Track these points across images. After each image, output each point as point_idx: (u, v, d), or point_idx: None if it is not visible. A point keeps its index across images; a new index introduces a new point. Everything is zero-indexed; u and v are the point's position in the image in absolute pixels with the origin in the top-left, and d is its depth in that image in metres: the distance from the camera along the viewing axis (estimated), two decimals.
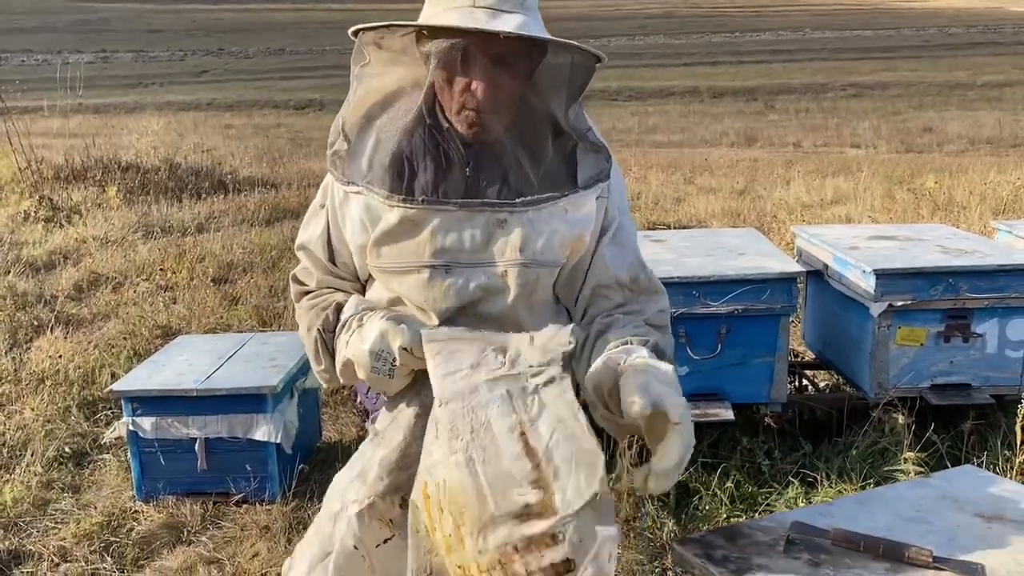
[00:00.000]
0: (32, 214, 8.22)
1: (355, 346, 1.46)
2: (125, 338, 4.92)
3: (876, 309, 3.22)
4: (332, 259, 1.61)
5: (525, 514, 1.25)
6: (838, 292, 3.48)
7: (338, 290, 1.64)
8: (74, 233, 7.52)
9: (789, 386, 3.85)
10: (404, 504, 1.47)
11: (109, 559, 3.01)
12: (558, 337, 1.36)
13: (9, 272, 6.22)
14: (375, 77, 1.51)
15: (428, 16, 1.46)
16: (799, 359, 4.04)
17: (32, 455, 3.66)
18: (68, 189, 9.19)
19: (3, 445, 3.79)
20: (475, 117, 1.45)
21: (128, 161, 10.40)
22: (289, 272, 1.77)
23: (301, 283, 1.68)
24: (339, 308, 1.57)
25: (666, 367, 1.39)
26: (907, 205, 8.57)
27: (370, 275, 1.61)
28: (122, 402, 3.32)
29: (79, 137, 10.85)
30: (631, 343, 1.46)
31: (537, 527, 1.24)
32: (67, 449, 3.75)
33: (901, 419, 3.23)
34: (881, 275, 3.19)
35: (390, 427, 1.56)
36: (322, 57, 35.76)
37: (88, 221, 7.93)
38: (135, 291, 5.95)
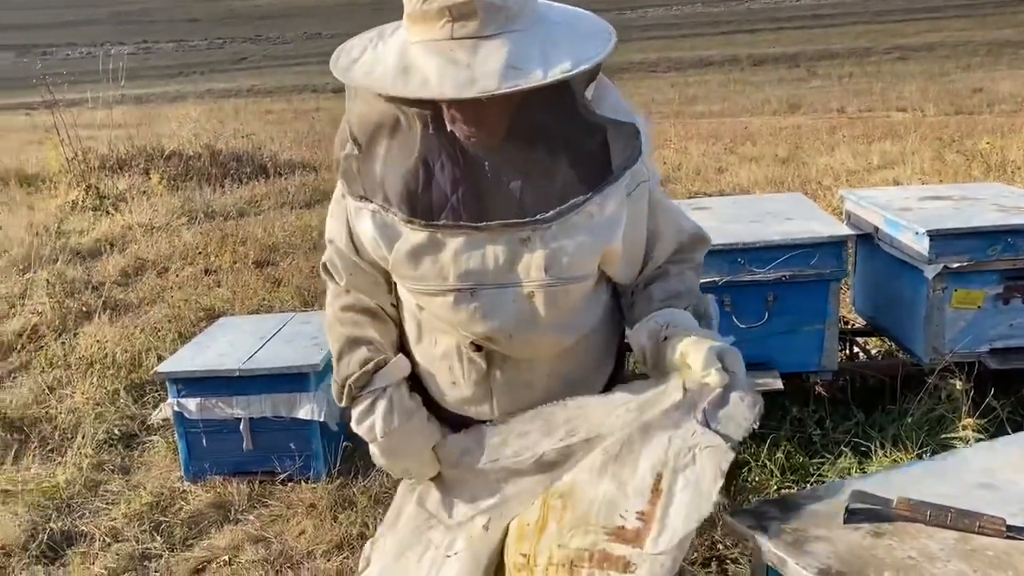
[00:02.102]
0: (79, 203, 8.37)
1: (370, 438, 1.56)
2: (170, 321, 4.97)
3: (930, 272, 3.10)
4: (358, 252, 1.56)
5: (617, 534, 1.35)
6: (890, 255, 3.36)
7: (368, 308, 1.60)
8: (120, 221, 7.63)
9: (839, 354, 3.75)
10: (484, 527, 1.56)
11: (159, 538, 3.04)
12: (744, 413, 1.34)
13: (58, 260, 6.32)
14: (395, 122, 1.41)
15: (403, 43, 1.32)
16: (849, 326, 3.93)
17: (83, 438, 3.71)
18: (114, 178, 9.33)
19: (55, 429, 3.85)
20: (476, 143, 1.37)
21: (171, 149, 10.53)
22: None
23: (331, 275, 1.64)
24: (377, 367, 1.55)
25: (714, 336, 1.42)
26: (958, 167, 8.31)
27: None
28: (167, 384, 3.34)
29: (123, 127, 11.01)
30: (676, 307, 1.46)
31: (620, 550, 1.34)
32: (116, 431, 3.80)
33: (959, 385, 3.12)
34: (935, 236, 3.07)
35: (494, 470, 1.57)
36: None
37: (133, 209, 8.03)
38: (179, 276, 6.01)
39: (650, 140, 1.49)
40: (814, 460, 3.14)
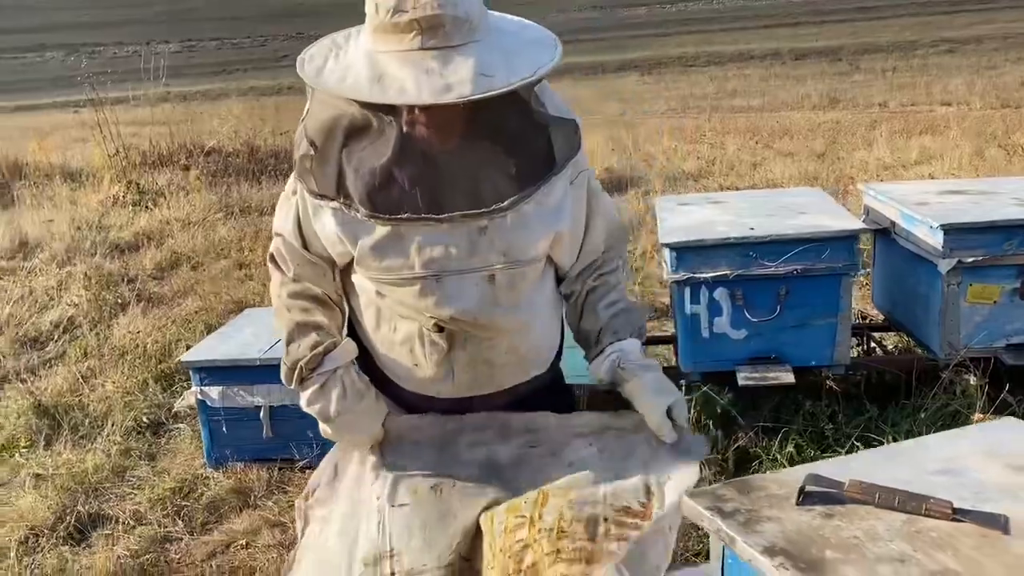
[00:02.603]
0: (120, 198, 8.58)
1: (323, 418, 1.64)
2: (198, 313, 5.10)
3: (944, 266, 3.08)
4: (306, 247, 1.64)
5: (625, 511, 1.50)
6: (905, 250, 3.34)
7: (316, 296, 1.67)
8: (158, 215, 7.81)
9: (857, 348, 3.74)
10: (432, 488, 1.63)
11: (180, 522, 3.14)
12: (686, 477, 1.54)
13: (96, 253, 6.50)
14: (348, 123, 1.51)
15: (369, 53, 1.42)
16: (868, 321, 3.90)
17: (112, 425, 3.83)
18: (154, 174, 9.54)
19: (87, 416, 3.97)
20: (436, 142, 1.47)
21: (211, 146, 10.73)
22: None
23: (277, 265, 1.71)
24: (327, 351, 1.63)
25: (656, 367, 1.67)
26: (998, 163, 8.16)
27: (349, 264, 1.64)
28: (191, 372, 3.44)
29: (165, 124, 11.24)
30: (621, 336, 1.67)
31: (630, 521, 1.50)
32: (145, 419, 3.92)
33: (973, 380, 3.09)
34: (949, 230, 3.04)
35: (445, 460, 1.67)
36: None
37: (172, 204, 8.22)
38: (212, 269, 6.15)
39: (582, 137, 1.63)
40: (825, 454, 3.13)
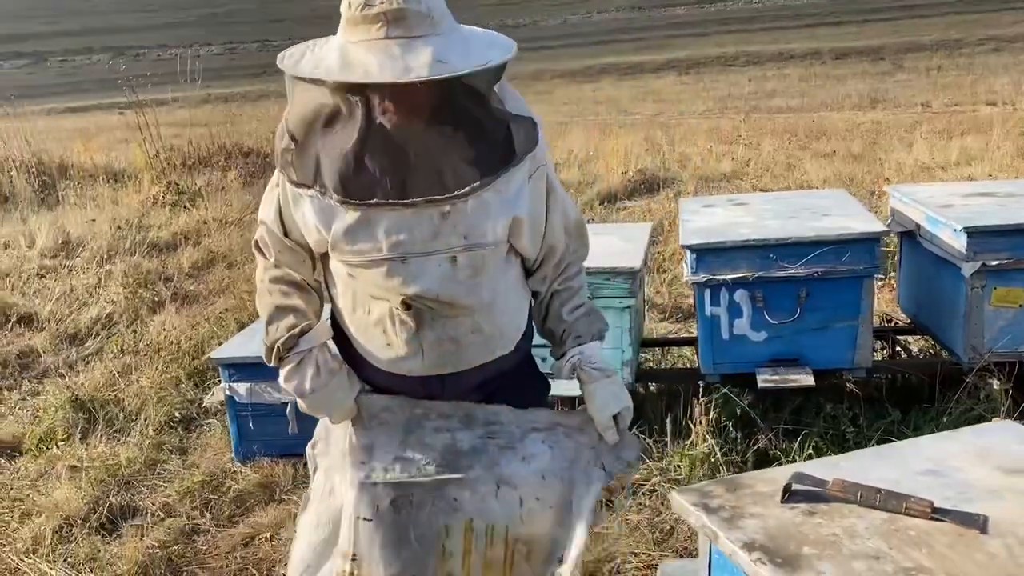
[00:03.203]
0: (160, 198, 8.76)
1: (299, 394, 1.76)
2: (229, 311, 5.20)
3: (968, 269, 3.05)
4: (286, 235, 1.76)
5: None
6: (930, 253, 3.32)
7: (294, 282, 1.79)
8: (196, 215, 7.97)
9: (882, 352, 3.72)
10: (393, 504, 1.74)
11: (208, 515, 3.22)
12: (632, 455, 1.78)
13: (135, 253, 6.66)
14: (310, 89, 1.61)
15: (341, 45, 1.55)
16: (893, 324, 3.87)
17: (145, 420, 3.93)
18: (193, 175, 9.73)
19: (121, 411, 4.08)
20: (402, 129, 1.57)
21: (249, 147, 10.91)
22: None
23: (261, 252, 1.84)
24: (303, 332, 1.76)
25: (611, 374, 1.81)
26: None
27: (326, 253, 1.74)
28: (220, 369, 3.53)
29: (206, 126, 11.44)
30: (583, 340, 1.82)
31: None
32: (177, 414, 4.01)
33: (997, 384, 3.06)
34: (973, 233, 3.02)
35: (410, 440, 1.79)
36: None
37: (209, 204, 8.38)
38: (247, 268, 6.26)
39: (545, 141, 1.74)
40: None
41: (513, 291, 1.79)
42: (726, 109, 18.56)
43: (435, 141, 1.58)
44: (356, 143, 1.57)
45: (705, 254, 3.15)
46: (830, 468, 1.23)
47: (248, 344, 3.60)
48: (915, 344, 3.80)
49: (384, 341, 1.73)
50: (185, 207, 8.42)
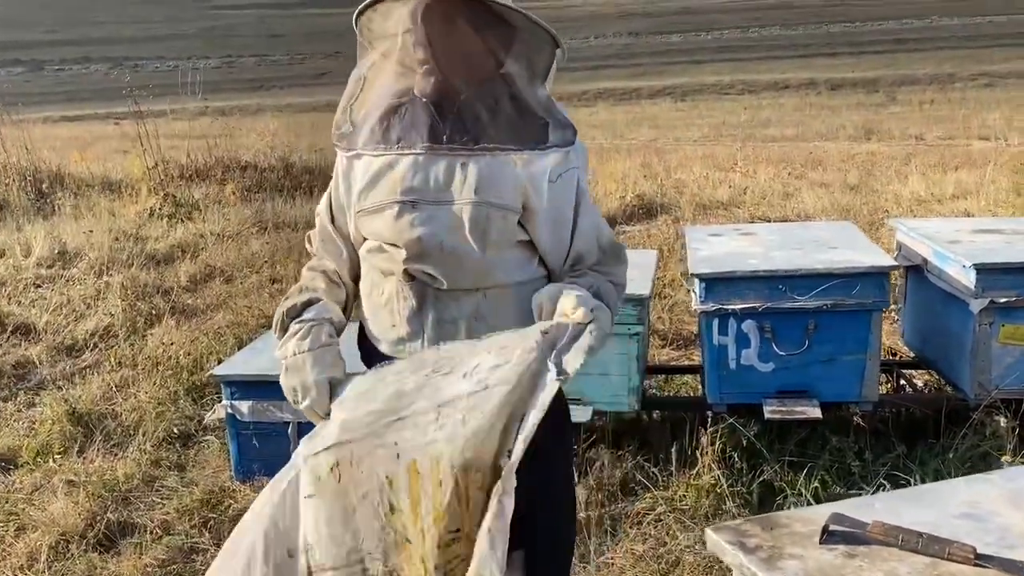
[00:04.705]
0: (157, 210, 8.73)
1: (283, 357, 1.73)
2: (230, 327, 5.17)
3: (977, 306, 3.06)
4: (333, 220, 1.81)
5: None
6: (938, 288, 3.33)
7: (326, 271, 1.82)
8: (193, 228, 7.94)
9: (886, 385, 3.72)
10: (332, 470, 1.62)
11: (207, 534, 3.18)
12: (589, 343, 1.58)
13: (133, 264, 6.62)
14: (371, 65, 1.72)
15: None
16: (897, 358, 3.88)
17: (143, 435, 3.89)
18: (190, 187, 9.70)
19: (119, 425, 4.04)
20: (435, 72, 1.64)
21: (247, 161, 10.90)
22: None
23: (310, 242, 1.89)
24: (309, 303, 1.75)
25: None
26: None
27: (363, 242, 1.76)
28: (221, 386, 3.49)
29: (204, 138, 11.43)
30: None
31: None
32: (175, 430, 3.97)
33: (1004, 422, 3.06)
34: (982, 270, 3.03)
35: (360, 397, 1.66)
36: None
37: (207, 217, 8.35)
38: (245, 283, 6.24)
39: (586, 157, 1.78)
40: (851, 491, 3.12)
41: (526, 292, 1.71)
42: (721, 136, 18.69)
43: (474, 100, 1.64)
44: (391, 99, 1.66)
45: (715, 283, 3.16)
46: (865, 508, 1.22)
47: (250, 361, 3.58)
48: (919, 378, 3.81)
49: (391, 322, 1.74)
50: (182, 220, 8.39)
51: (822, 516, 1.22)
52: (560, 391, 1.83)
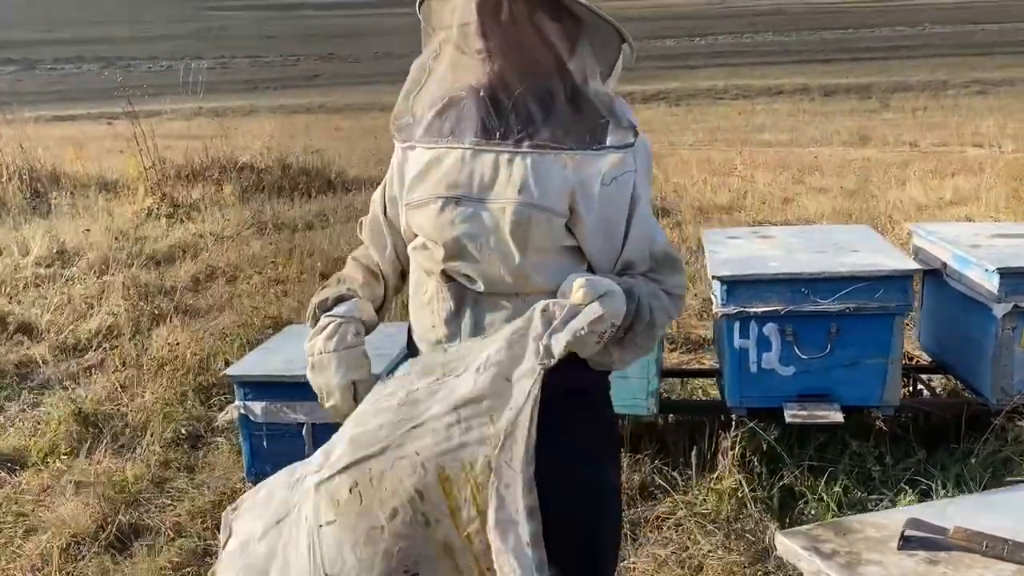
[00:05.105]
0: (154, 211, 8.66)
1: (309, 353, 1.71)
2: (234, 327, 5.12)
3: (1000, 310, 3.05)
4: (385, 211, 1.78)
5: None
6: (958, 292, 3.31)
7: (368, 264, 1.80)
8: (193, 229, 7.88)
9: (903, 390, 3.70)
10: (352, 491, 1.52)
11: (221, 536, 3.13)
12: (581, 324, 1.48)
13: (133, 264, 6.56)
14: (434, 54, 1.67)
15: None
16: (913, 362, 3.86)
17: (151, 436, 3.84)
18: (188, 187, 9.64)
19: (126, 426, 3.99)
20: (490, 63, 1.58)
21: (244, 161, 10.84)
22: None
23: (361, 230, 1.86)
24: (342, 299, 1.73)
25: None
26: None
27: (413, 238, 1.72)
28: (235, 386, 3.44)
29: (199, 139, 11.36)
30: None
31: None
32: (183, 431, 3.93)
33: None
34: (1005, 274, 3.02)
35: (368, 411, 1.59)
36: None
37: (206, 217, 8.29)
38: (248, 284, 6.18)
39: (649, 160, 1.69)
40: (872, 496, 3.10)
41: None
42: (716, 141, 18.70)
43: (527, 93, 1.58)
44: (445, 92, 1.62)
45: (736, 286, 3.13)
46: (939, 514, 1.19)
47: (264, 362, 3.53)
48: (936, 383, 3.79)
49: (431, 322, 1.69)
50: (181, 220, 8.33)
51: (895, 522, 1.19)
52: (604, 391, 1.80)
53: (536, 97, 1.58)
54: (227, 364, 4.47)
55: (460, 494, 1.46)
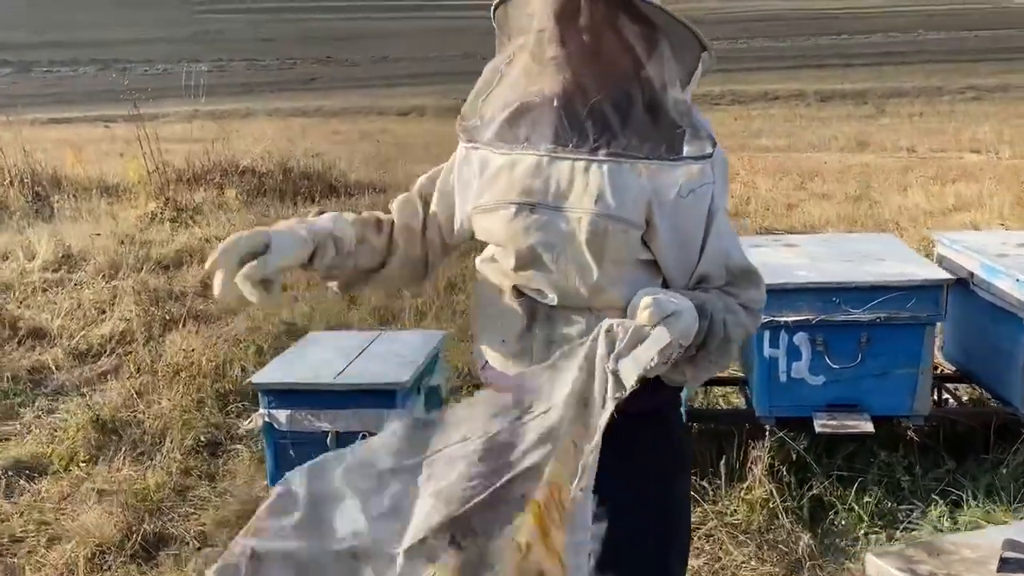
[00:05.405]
0: (158, 215, 8.62)
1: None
2: (248, 333, 5.09)
3: None
4: (428, 196, 1.72)
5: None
6: (986, 302, 3.31)
7: (380, 218, 1.73)
8: (199, 233, 7.85)
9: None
10: (454, 542, 1.40)
11: None
12: (649, 352, 1.42)
13: (142, 269, 6.52)
14: (508, 59, 1.63)
15: None
16: (938, 371, 3.86)
17: (171, 443, 3.81)
18: (190, 191, 9.60)
19: (144, 433, 3.96)
20: (566, 70, 1.54)
21: (244, 165, 10.81)
22: None
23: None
24: (322, 213, 1.65)
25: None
26: None
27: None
28: (260, 394, 3.41)
29: (198, 142, 11.32)
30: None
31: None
32: (202, 439, 3.90)
33: None
34: None
35: (440, 459, 1.47)
36: (424, 64, 36.37)
37: (210, 221, 8.26)
38: None
39: (725, 170, 1.63)
40: (902, 507, 3.09)
41: None
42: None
43: (603, 101, 1.53)
44: (518, 95, 1.58)
45: (767, 295, 3.11)
46: None
47: (289, 369, 3.50)
48: (963, 392, 3.79)
49: (500, 337, 1.64)
50: (185, 224, 8.30)
51: (988, 542, 1.18)
52: (676, 408, 1.77)
53: (613, 104, 1.54)
54: (243, 371, 4.45)
55: (549, 517, 1.41)
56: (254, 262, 1.46)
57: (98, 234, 7.32)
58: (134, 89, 11.63)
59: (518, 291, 1.60)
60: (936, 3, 61.48)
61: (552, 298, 1.57)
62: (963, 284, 3.47)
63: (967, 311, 3.50)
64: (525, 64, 1.59)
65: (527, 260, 1.57)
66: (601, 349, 1.45)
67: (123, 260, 6.68)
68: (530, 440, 1.45)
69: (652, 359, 1.40)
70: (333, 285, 1.73)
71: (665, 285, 1.60)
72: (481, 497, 1.41)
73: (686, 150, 1.54)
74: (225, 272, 1.46)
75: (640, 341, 1.43)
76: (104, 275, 6.39)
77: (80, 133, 20.56)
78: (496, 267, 1.63)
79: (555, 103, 1.56)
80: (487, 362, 1.71)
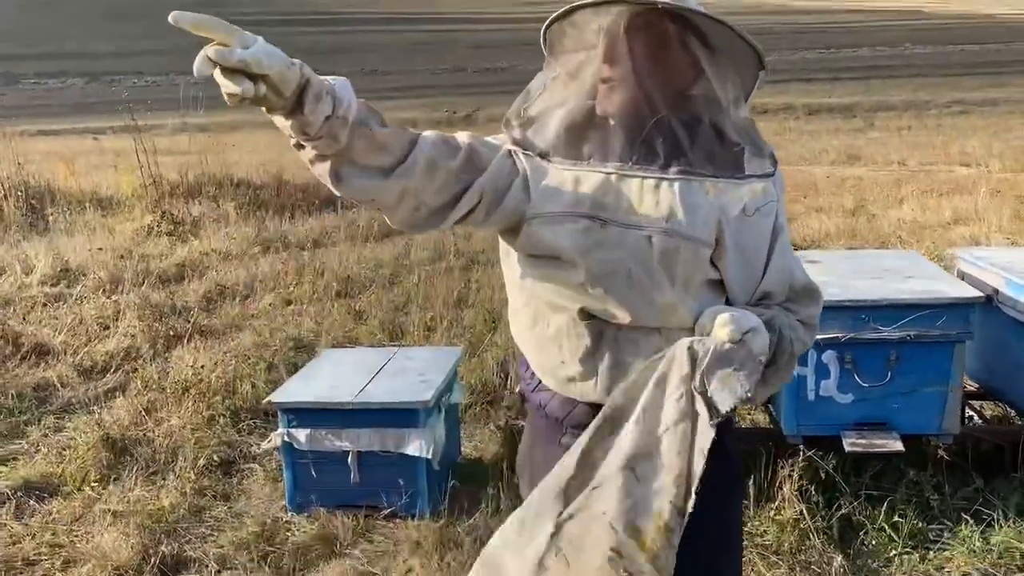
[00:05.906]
0: (155, 228, 8.53)
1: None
2: (254, 348, 5.02)
3: None
4: (476, 147, 1.56)
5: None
6: (1011, 319, 3.30)
7: (408, 129, 1.54)
8: (197, 247, 7.77)
9: None
10: (556, 555, 1.46)
11: (267, 568, 3.04)
12: (741, 381, 1.44)
13: (142, 283, 6.44)
14: (555, 76, 1.60)
15: None
16: (963, 389, 3.84)
17: (184, 462, 3.74)
18: (185, 204, 9.51)
19: (155, 452, 3.88)
20: (632, 89, 1.52)
21: (239, 178, 10.73)
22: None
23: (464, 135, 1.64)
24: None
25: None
26: None
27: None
28: (279, 413, 3.36)
29: (188, 154, 11.23)
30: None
31: None
32: (216, 457, 3.82)
33: None
34: None
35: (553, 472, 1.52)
36: (412, 77, 36.35)
37: (209, 235, 8.18)
38: (261, 304, 6.08)
39: (783, 187, 1.63)
40: (932, 526, 3.06)
41: None
42: None
43: (669, 118, 1.51)
44: (577, 108, 1.55)
45: None
46: None
47: (308, 388, 3.46)
48: (987, 410, 3.77)
49: (559, 358, 1.59)
50: (183, 238, 8.22)
51: None
52: (732, 431, 1.75)
53: (681, 122, 1.52)
54: (253, 388, 4.39)
55: (653, 541, 1.43)
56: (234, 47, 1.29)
57: (100, 248, 7.21)
58: (134, 101, 11.54)
59: (585, 313, 1.55)
60: (923, 17, 62.10)
61: (623, 317, 1.53)
62: (987, 301, 3.46)
63: (992, 328, 3.48)
64: (585, 80, 1.56)
65: (599, 274, 1.52)
66: (685, 368, 1.45)
67: (123, 274, 6.60)
68: (609, 459, 1.48)
69: (748, 390, 1.42)
70: (324, 169, 1.46)
71: (726, 303, 1.58)
72: (573, 509, 1.48)
73: (749, 168, 1.55)
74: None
75: (720, 358, 1.44)
76: (104, 290, 6.30)
77: (69, 145, 20.37)
78: (554, 289, 1.57)
79: (622, 121, 1.53)
80: (539, 384, 1.67)
